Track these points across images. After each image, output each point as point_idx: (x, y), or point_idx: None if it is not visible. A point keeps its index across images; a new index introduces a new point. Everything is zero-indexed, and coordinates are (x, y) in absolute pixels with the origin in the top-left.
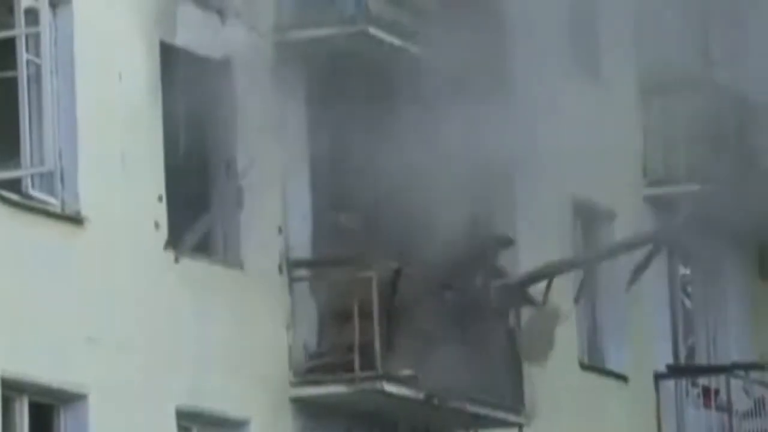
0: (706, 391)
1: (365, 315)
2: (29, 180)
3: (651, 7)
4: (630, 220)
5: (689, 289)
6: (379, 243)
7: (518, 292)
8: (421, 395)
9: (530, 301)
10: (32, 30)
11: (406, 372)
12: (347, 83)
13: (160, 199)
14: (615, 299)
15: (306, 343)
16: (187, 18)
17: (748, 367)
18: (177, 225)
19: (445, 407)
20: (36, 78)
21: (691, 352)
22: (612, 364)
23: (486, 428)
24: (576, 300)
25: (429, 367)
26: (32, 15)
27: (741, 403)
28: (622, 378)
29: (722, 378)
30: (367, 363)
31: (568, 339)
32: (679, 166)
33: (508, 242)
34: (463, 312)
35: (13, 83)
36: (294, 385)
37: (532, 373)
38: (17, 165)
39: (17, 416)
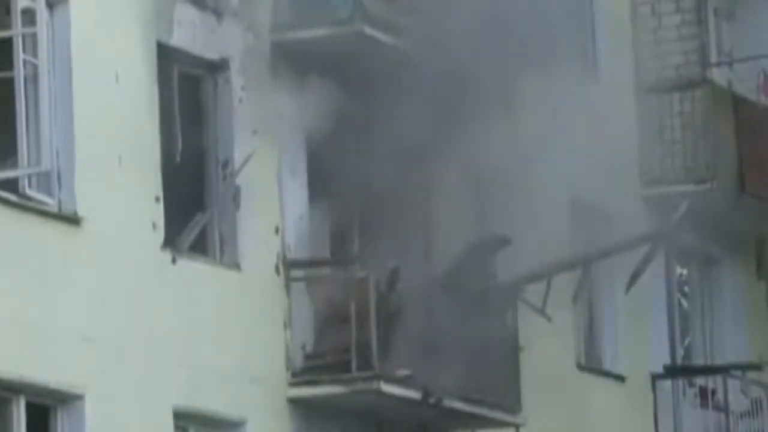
0: (703, 391)
1: (362, 315)
2: (26, 180)
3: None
4: (627, 219)
5: (686, 289)
6: (375, 243)
7: (515, 292)
8: (418, 395)
9: (527, 302)
10: (29, 30)
11: (403, 372)
12: (344, 83)
13: (157, 199)
14: (612, 299)
15: (303, 344)
16: (184, 18)
17: (745, 367)
18: (174, 225)
19: (442, 407)
20: (33, 78)
21: (688, 352)
22: (609, 365)
23: (483, 428)
24: (573, 300)
25: (426, 367)
26: (29, 15)
27: (738, 403)
28: (619, 378)
29: (719, 378)
30: (364, 363)
31: (565, 339)
32: (676, 166)
33: (504, 242)
34: (460, 312)
35: (10, 83)
36: (291, 385)
37: (529, 373)
38: (14, 165)
39: (14, 417)
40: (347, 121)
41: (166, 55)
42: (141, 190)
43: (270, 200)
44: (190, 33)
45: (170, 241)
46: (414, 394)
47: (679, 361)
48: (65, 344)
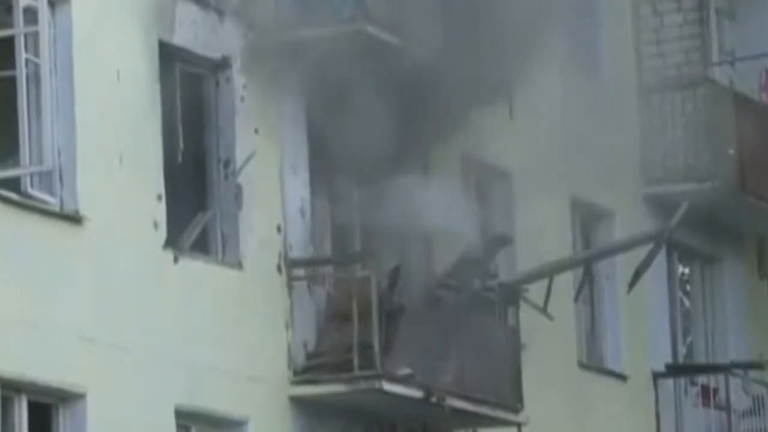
0: (704, 390)
1: (364, 314)
2: (28, 179)
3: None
4: (629, 218)
5: (688, 288)
6: (377, 242)
7: (517, 291)
8: (419, 394)
9: (529, 301)
10: (31, 29)
11: (405, 371)
12: (346, 82)
13: (159, 198)
14: (614, 298)
15: (305, 342)
16: (186, 17)
17: (746, 366)
18: (176, 224)
19: (443, 406)
20: (35, 77)
21: (690, 351)
22: (611, 364)
23: (485, 427)
24: (575, 299)
25: (427, 366)
26: (31, 14)
27: (740, 402)
28: (620, 377)
29: (721, 377)
30: (366, 362)
31: (567, 338)
32: (678, 164)
33: (506, 241)
34: (461, 311)
35: (11, 82)
36: (293, 384)
37: (531, 372)
38: (16, 164)
39: (16, 416)
40: (349, 120)
41: (167, 53)
42: (143, 189)
43: (272, 199)
44: (192, 32)
45: (172, 241)
46: (416, 393)
47: (680, 359)
48: (67, 343)
